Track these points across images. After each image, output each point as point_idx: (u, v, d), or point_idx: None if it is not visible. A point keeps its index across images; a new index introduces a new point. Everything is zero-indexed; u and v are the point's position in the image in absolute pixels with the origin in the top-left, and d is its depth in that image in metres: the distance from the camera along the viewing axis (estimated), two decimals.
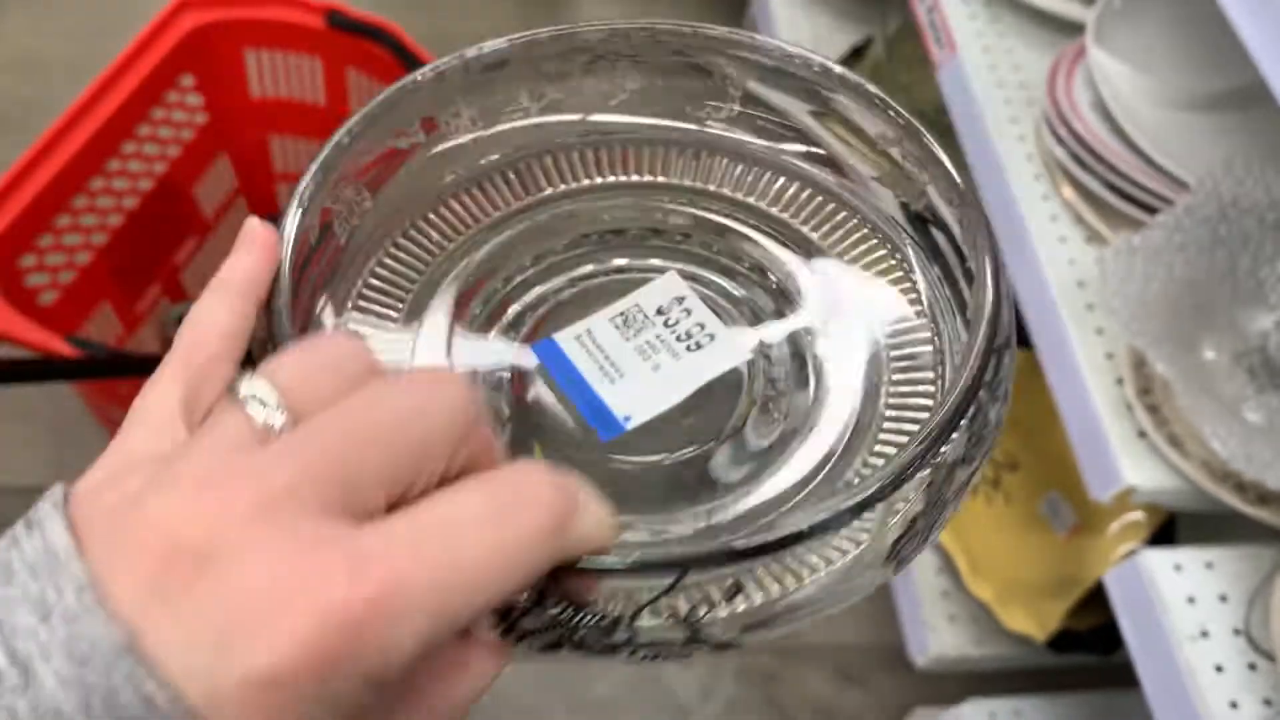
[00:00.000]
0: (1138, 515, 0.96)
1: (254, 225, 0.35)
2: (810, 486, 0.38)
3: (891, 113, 0.40)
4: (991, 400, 0.34)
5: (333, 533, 0.21)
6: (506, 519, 0.23)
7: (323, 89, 1.33)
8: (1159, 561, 0.76)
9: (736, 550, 0.29)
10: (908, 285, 0.41)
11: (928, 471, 0.32)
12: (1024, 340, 0.97)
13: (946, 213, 0.39)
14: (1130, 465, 0.78)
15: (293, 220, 0.36)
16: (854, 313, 0.42)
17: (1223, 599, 0.76)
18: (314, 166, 0.38)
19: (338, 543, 0.21)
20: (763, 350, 0.41)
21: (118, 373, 0.97)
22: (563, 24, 0.42)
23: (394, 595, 0.21)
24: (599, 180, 0.44)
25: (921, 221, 0.41)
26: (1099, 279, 0.82)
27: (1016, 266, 0.95)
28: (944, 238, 0.40)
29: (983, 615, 1.01)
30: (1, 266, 1.07)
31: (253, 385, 0.25)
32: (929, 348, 0.40)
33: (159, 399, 0.28)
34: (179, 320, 1.18)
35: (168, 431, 0.27)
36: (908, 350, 0.40)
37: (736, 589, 0.30)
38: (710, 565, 0.29)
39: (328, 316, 0.39)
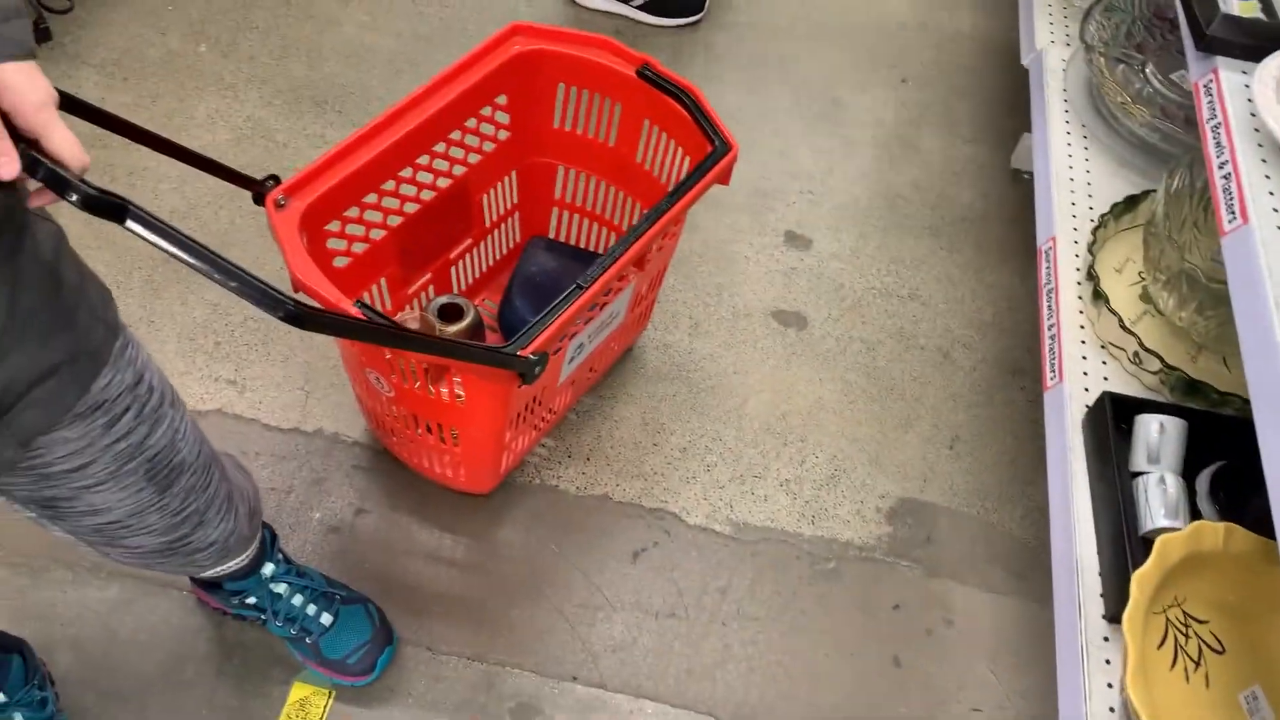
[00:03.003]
0: None
1: None
2: None
3: None
4: None
5: None
6: None
7: (616, 132, 1.43)
8: None
9: None
10: None
11: None
12: (1266, 526, 0.94)
13: None
14: None
15: None
16: None
17: None
18: None
19: None
20: None
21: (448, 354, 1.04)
22: None
23: None
24: None
25: None
26: None
27: (1271, 447, 0.92)
28: None
29: None
30: (312, 228, 1.20)
31: None
32: None
33: None
34: (439, 310, 1.27)
35: None
36: None
37: None
38: None
39: None
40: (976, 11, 2.28)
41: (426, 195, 1.37)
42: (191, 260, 0.69)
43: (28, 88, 0.65)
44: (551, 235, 1.62)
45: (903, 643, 1.39)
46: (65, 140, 0.66)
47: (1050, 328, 1.44)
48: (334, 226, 1.25)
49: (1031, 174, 1.93)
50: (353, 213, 1.26)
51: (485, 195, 1.47)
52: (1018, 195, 1.92)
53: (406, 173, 1.31)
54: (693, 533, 1.46)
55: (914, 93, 2.10)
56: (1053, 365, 1.41)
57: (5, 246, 0.67)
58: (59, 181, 0.66)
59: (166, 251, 0.69)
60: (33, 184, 0.70)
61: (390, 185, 1.30)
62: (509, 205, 1.54)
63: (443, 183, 1.38)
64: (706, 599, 1.40)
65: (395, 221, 1.34)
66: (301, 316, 0.75)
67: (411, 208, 1.36)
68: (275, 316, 0.73)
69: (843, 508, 1.51)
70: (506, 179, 1.50)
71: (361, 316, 1.03)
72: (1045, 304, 1.48)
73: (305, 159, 1.80)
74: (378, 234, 1.32)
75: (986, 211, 1.90)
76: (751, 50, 2.15)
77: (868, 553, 1.47)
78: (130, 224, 0.69)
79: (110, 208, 0.68)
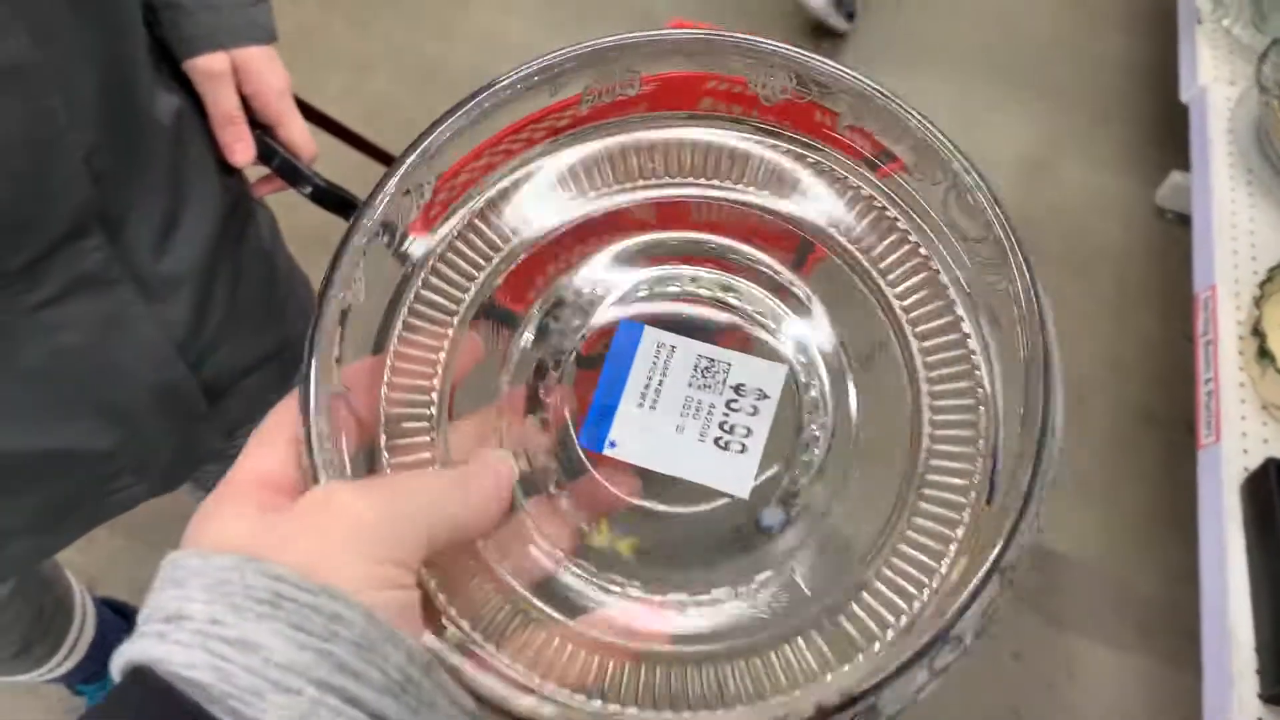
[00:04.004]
0: None
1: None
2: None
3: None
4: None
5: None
6: None
7: None
8: None
9: None
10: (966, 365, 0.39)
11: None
12: None
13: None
14: None
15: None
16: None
17: None
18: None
19: None
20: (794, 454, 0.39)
21: None
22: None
23: None
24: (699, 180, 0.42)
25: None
26: None
27: None
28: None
29: None
30: None
31: None
32: (971, 402, 0.38)
33: None
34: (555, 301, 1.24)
35: None
36: (951, 415, 0.38)
37: None
38: None
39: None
40: (1125, 34, 2.19)
41: None
42: None
43: (270, 73, 0.63)
44: None
45: (1022, 694, 1.34)
46: (301, 130, 0.64)
47: (1207, 383, 1.38)
48: None
49: (1176, 213, 1.86)
50: None
51: None
52: (1161, 234, 1.85)
53: None
54: None
55: (1055, 115, 2.02)
56: (1209, 423, 1.34)
57: (233, 234, 0.65)
58: (293, 171, 0.64)
59: None
60: (253, 170, 0.68)
61: None
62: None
63: None
64: None
65: None
66: None
67: None
68: None
69: None
70: None
71: None
72: (1202, 357, 1.41)
73: None
74: None
75: (1127, 248, 1.82)
76: (887, 62, 2.09)
77: None
78: None
79: (340, 203, 0.66)
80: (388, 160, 1.16)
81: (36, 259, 0.54)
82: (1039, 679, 1.36)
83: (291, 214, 1.02)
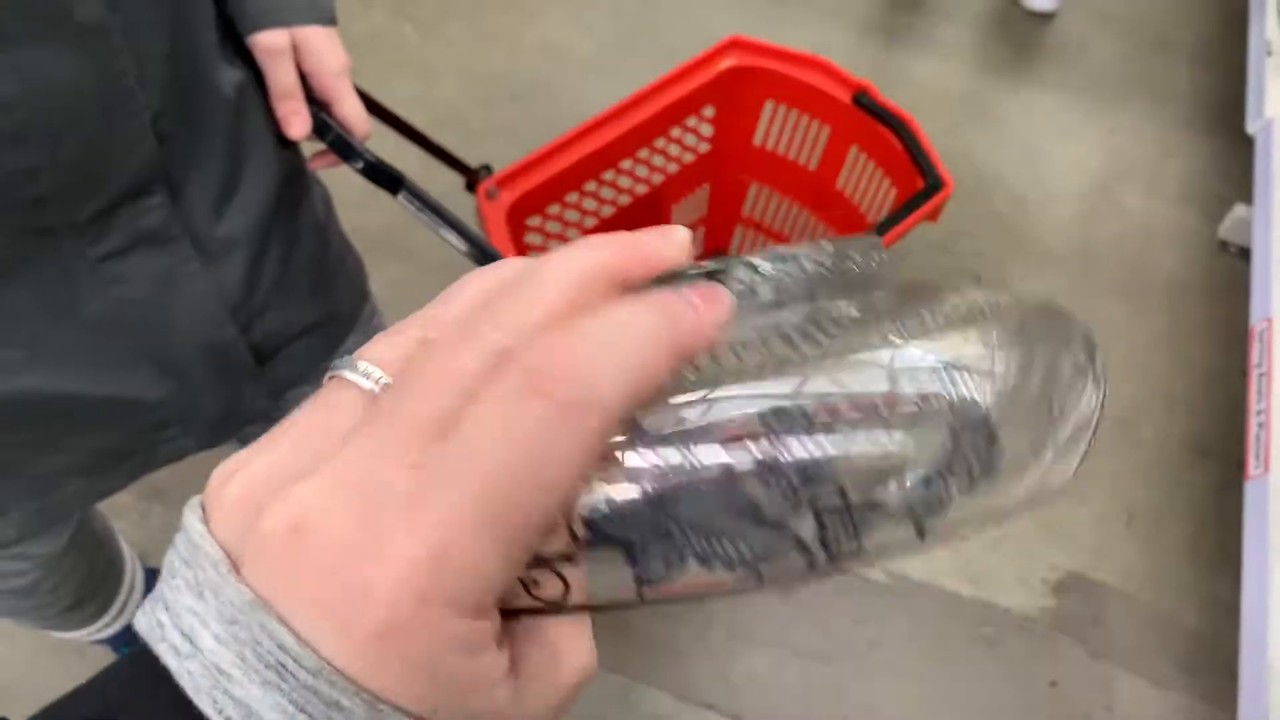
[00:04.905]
0: None
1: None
2: None
3: None
4: None
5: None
6: None
7: (819, 156, 1.40)
8: None
9: None
10: None
11: None
12: None
13: None
14: None
15: None
16: None
17: None
18: None
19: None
20: None
21: None
22: None
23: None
24: None
25: None
26: None
27: None
28: None
29: None
30: (515, 220, 1.20)
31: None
32: None
33: None
34: None
35: None
36: None
37: None
38: None
39: None
40: (1195, 65, 2.17)
41: (624, 200, 1.36)
42: (456, 241, 0.70)
43: (329, 53, 0.66)
44: (732, 254, 1.60)
45: None
46: (355, 108, 0.67)
47: (1258, 414, 1.35)
48: (534, 221, 1.26)
49: (1240, 247, 1.83)
50: (554, 210, 1.26)
51: (675, 205, 1.46)
52: (1223, 268, 1.82)
53: (609, 175, 1.31)
54: (846, 575, 1.42)
55: (1121, 145, 2.01)
56: (1258, 454, 1.32)
57: (287, 204, 0.68)
58: (345, 147, 0.67)
59: (431, 228, 0.69)
60: (308, 146, 0.71)
61: (592, 186, 1.29)
62: (696, 218, 1.52)
63: (640, 189, 1.37)
64: (855, 647, 1.36)
65: (590, 223, 1.34)
66: None
67: (608, 211, 1.35)
68: None
69: (1006, 572, 1.44)
70: (699, 190, 1.48)
71: None
72: (1254, 388, 1.39)
73: (496, 150, 1.82)
74: (573, 234, 1.32)
75: (1187, 281, 1.80)
76: (953, 86, 2.09)
77: (1029, 624, 1.40)
78: (402, 197, 0.69)
79: (388, 179, 0.69)
80: (453, 162, 1.21)
81: (102, 212, 0.58)
82: (1076, 709, 1.34)
83: (361, 212, 1.05)
